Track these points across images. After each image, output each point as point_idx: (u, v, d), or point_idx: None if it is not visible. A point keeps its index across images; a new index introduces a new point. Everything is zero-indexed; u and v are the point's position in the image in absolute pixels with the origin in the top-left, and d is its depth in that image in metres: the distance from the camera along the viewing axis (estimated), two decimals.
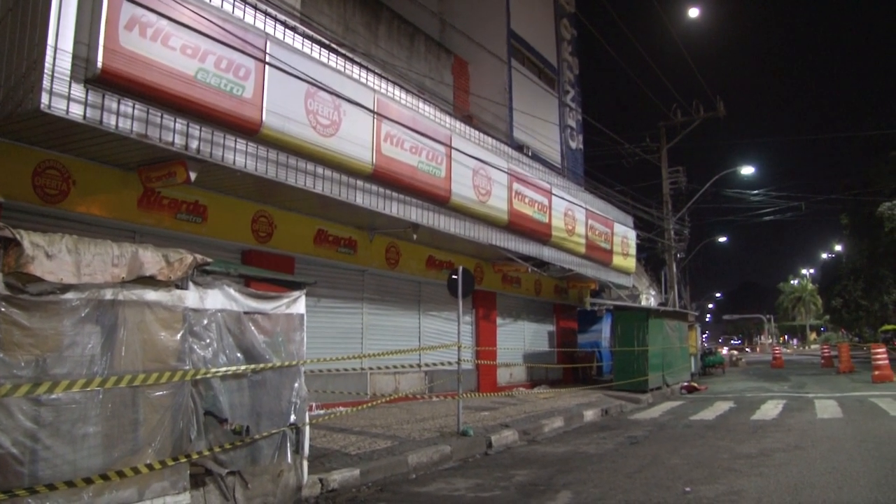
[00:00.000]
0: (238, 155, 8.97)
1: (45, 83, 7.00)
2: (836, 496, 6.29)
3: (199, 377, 5.44)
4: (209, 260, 5.67)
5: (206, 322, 5.66)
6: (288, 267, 11.94)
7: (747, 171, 29.06)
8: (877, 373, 20.25)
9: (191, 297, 5.54)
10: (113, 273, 4.91)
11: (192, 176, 8.68)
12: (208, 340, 5.66)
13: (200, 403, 5.49)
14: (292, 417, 6.45)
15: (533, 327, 21.70)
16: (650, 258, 34.24)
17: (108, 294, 4.90)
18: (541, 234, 16.78)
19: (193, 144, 8.40)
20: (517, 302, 20.74)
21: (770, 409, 13.99)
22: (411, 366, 14.62)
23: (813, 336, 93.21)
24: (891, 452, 8.39)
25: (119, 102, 7.63)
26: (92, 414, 4.66)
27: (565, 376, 22.04)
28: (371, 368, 13.90)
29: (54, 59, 7.06)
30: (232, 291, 5.99)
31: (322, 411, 11.85)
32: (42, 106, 6.98)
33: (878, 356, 20.57)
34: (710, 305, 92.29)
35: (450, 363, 10.89)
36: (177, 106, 8.11)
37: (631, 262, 23.30)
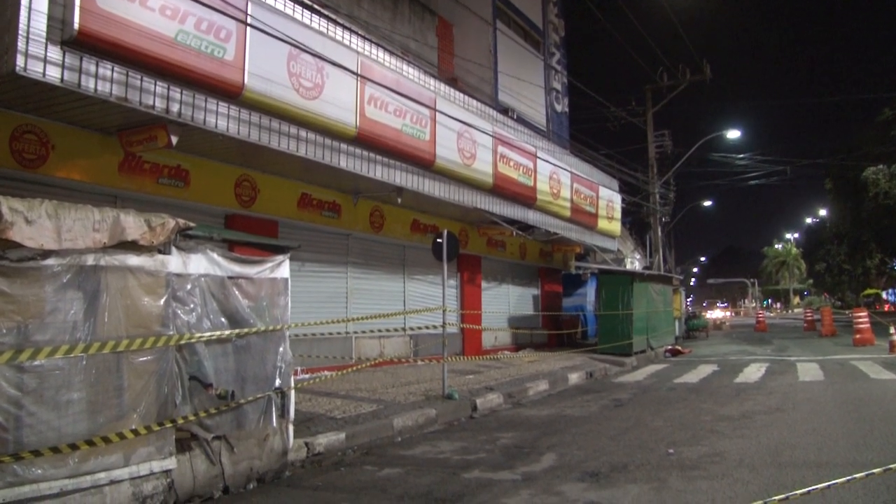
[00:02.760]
0: (220, 118, 8.87)
1: (21, 45, 6.84)
2: (815, 456, 6.46)
3: (183, 342, 5.43)
4: (192, 224, 5.63)
5: (189, 287, 5.63)
6: (272, 231, 11.89)
7: (733, 135, 29.10)
8: (858, 336, 20.61)
9: (174, 262, 5.51)
10: (94, 238, 4.87)
11: (174, 140, 8.58)
12: (192, 305, 5.64)
13: (185, 368, 5.49)
14: (277, 382, 6.47)
15: (518, 291, 21.80)
16: (635, 222, 34.30)
17: (90, 259, 4.86)
18: (526, 197, 16.78)
19: (174, 108, 8.29)
20: (502, 266, 20.80)
21: (753, 373, 14.24)
22: (396, 330, 14.69)
23: (796, 300, 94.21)
24: (870, 414, 8.60)
25: (97, 65, 7.48)
26: (76, 380, 4.66)
27: (550, 340, 22.23)
28: (356, 332, 13.96)
29: (29, 20, 6.89)
30: (215, 256, 5.96)
31: (307, 375, 11.90)
32: (17, 69, 6.83)
33: (860, 320, 20.91)
34: (695, 269, 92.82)
35: (435, 327, 10.97)
36: (157, 68, 7.98)
37: (616, 226, 23.38)
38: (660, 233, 29.39)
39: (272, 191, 12.01)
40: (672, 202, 30.88)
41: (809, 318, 34.42)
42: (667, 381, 13.39)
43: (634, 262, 38.82)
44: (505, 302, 20.97)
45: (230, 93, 8.85)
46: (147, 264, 5.27)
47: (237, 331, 6.01)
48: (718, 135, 29.04)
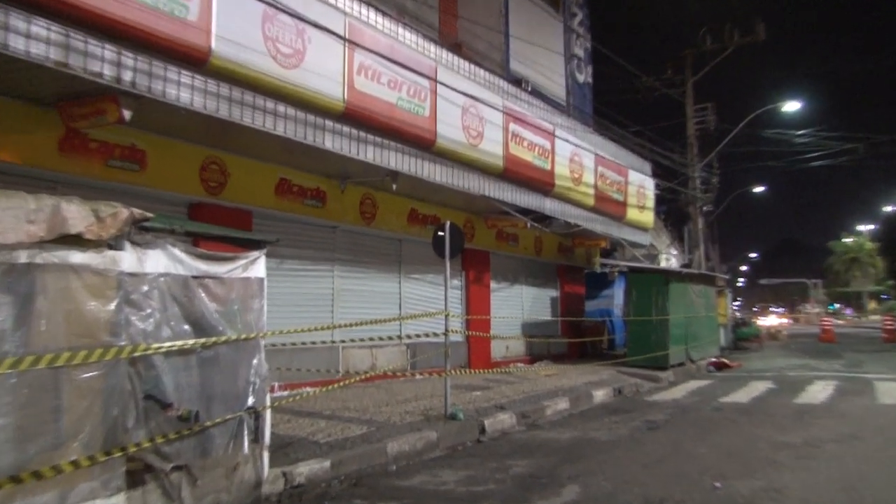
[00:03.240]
0: (183, 89, 8.77)
1: None
2: None
3: (137, 354, 5.36)
4: (149, 215, 5.58)
5: (145, 289, 5.57)
6: (244, 223, 11.85)
7: (791, 107, 28.12)
8: None
9: (127, 259, 5.43)
10: (28, 231, 4.76)
11: (127, 114, 8.46)
12: (149, 310, 5.58)
13: (139, 386, 5.41)
14: (250, 400, 6.42)
15: (533, 293, 21.74)
16: (671, 212, 34.08)
17: (23, 257, 4.75)
18: (542, 182, 16.68)
19: (127, 76, 8.17)
20: (514, 263, 20.74)
21: (818, 392, 14.09)
22: (390, 338, 14.62)
23: (872, 305, 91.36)
24: None
25: (30, 22, 7.35)
26: (2, 402, 4.53)
27: (571, 350, 22.15)
28: (343, 341, 13.90)
29: None
30: (177, 252, 5.92)
31: (286, 392, 11.78)
32: None
33: None
34: (744, 268, 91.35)
35: (435, 335, 10.89)
36: (105, 29, 7.84)
37: (648, 216, 23.27)
38: (701, 224, 29.16)
39: (245, 175, 11.95)
40: (716, 188, 30.39)
41: (890, 326, 32.74)
42: (711, 399, 13.31)
43: (670, 259, 38.65)
44: (518, 305, 20.91)
45: (194, 59, 8.73)
46: (94, 262, 5.17)
47: (203, 340, 5.96)
48: (773, 107, 28.37)
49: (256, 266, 6.71)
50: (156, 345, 5.51)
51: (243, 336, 6.37)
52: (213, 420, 5.96)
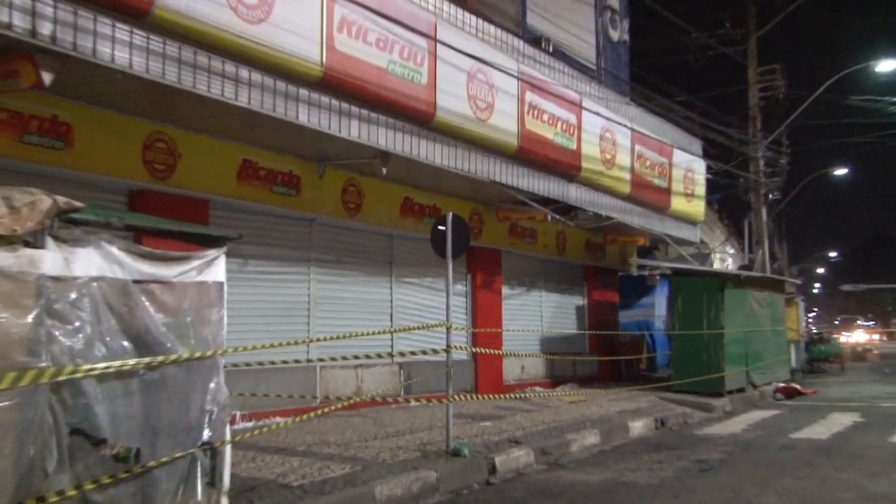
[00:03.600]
0: (119, 47, 8.69)
1: None
2: None
3: (62, 378, 5.26)
4: (78, 204, 5.50)
5: (74, 296, 5.49)
6: (199, 214, 11.81)
7: (887, 66, 27.22)
8: None
9: (50, 259, 5.34)
10: None
11: (47, 78, 8.39)
12: (78, 323, 5.50)
13: (65, 418, 5.31)
14: (206, 434, 6.38)
15: (554, 300, 21.73)
16: (728, 201, 33.92)
17: None
18: (566, 165, 16.63)
19: (46, 29, 8.09)
20: (531, 264, 20.74)
21: None
22: (380, 356, 14.58)
23: None
24: None
25: None
26: None
27: (602, 371, 22.10)
28: (322, 360, 13.86)
29: None
30: (115, 251, 5.85)
31: (251, 423, 11.72)
32: None
33: None
34: (820, 270, 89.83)
35: (435, 351, 10.83)
36: None
37: (698, 207, 23.22)
38: (765, 216, 29.00)
39: (199, 156, 11.93)
40: (784, 171, 29.96)
41: None
42: (779, 435, 13.22)
43: (726, 260, 38.65)
44: (535, 316, 20.91)
45: (133, 9, 8.68)
46: (6, 263, 5.08)
47: (147, 360, 5.89)
48: (863, 67, 27.40)
49: (214, 268, 6.67)
50: (86, 366, 5.41)
51: (198, 354, 6.31)
52: (158, 459, 5.87)
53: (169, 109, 10.85)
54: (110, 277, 5.76)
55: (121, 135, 10.94)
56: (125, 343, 5.83)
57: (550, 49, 18.29)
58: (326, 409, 9.64)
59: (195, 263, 6.50)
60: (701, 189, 23.47)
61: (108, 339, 5.70)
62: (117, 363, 5.64)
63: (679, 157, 21.87)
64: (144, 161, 11.23)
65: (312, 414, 9.13)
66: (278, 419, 12.02)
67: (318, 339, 11.97)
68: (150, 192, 11.32)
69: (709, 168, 24.39)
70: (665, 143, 21.22)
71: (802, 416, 15.87)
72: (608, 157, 18.13)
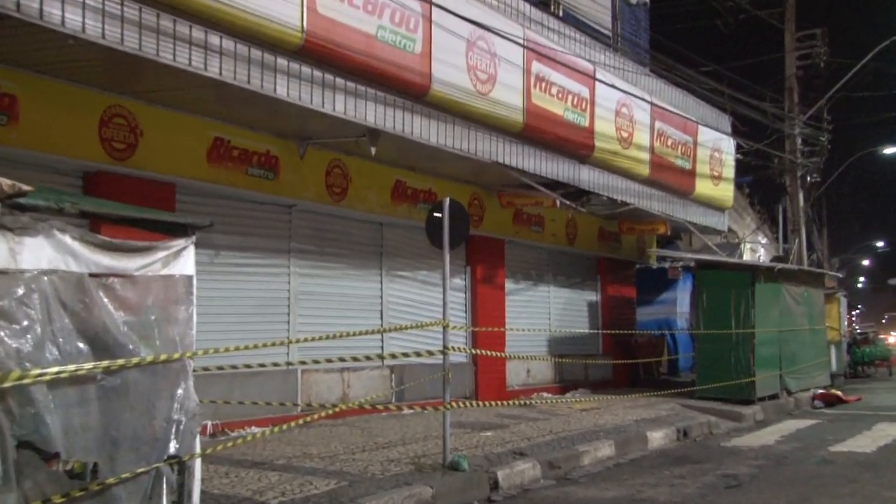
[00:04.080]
0: (71, 9, 8.66)
1: None
2: None
3: (7, 385, 5.21)
4: (26, 188, 5.42)
5: (21, 291, 5.44)
6: (165, 200, 11.76)
7: None
8: None
9: None
10: None
11: None
12: (26, 323, 5.45)
13: (11, 429, 5.27)
14: (173, 446, 6.34)
15: (564, 296, 21.77)
16: (760, 184, 33.72)
17: None
18: (577, 145, 16.64)
19: None
20: (539, 255, 20.79)
21: None
22: (368, 358, 14.48)
23: None
24: None
25: None
26: None
27: (617, 375, 22.13)
28: (304, 363, 13.69)
29: None
30: (68, 240, 5.79)
31: (224, 435, 11.71)
32: None
33: None
34: (865, 262, 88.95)
35: (430, 353, 10.84)
36: None
37: (726, 191, 23.21)
38: (802, 201, 28.88)
39: (164, 134, 11.87)
40: (825, 150, 29.68)
41: None
42: (817, 447, 13.24)
43: (758, 251, 38.57)
44: (543, 313, 20.95)
45: None
46: None
47: (106, 363, 5.84)
48: None
49: (182, 260, 6.63)
50: (36, 371, 5.37)
51: (163, 357, 6.27)
52: (118, 475, 5.82)
53: (129, 80, 10.79)
54: (63, 270, 5.69)
55: (74, 109, 10.84)
56: (81, 344, 5.77)
57: (560, 13, 18.28)
58: (309, 418, 9.60)
59: (160, 255, 6.44)
60: (729, 171, 23.45)
61: (60, 340, 5.63)
62: (71, 367, 5.58)
63: (705, 134, 21.85)
64: (101, 139, 11.15)
65: (293, 423, 9.08)
66: (255, 429, 12.00)
67: (299, 340, 11.95)
68: (107, 175, 11.24)
69: (739, 147, 24.38)
70: (689, 119, 21.20)
71: (844, 426, 15.87)
72: (625, 135, 18.12)
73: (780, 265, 22.14)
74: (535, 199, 17.81)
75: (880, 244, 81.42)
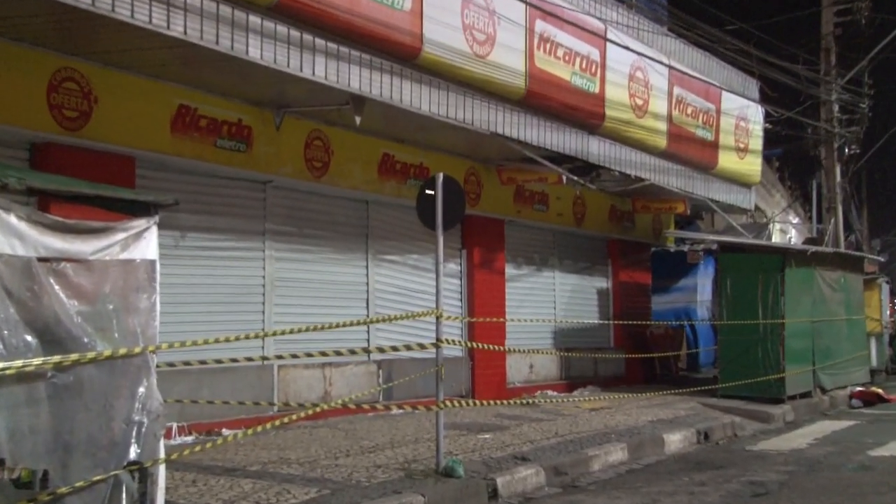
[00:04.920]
0: None
1: None
2: None
3: None
4: None
5: None
6: (123, 175, 11.72)
7: None
8: None
9: None
10: None
11: None
12: None
13: None
14: (133, 451, 6.35)
15: (571, 282, 21.82)
16: (791, 157, 33.59)
17: None
18: (586, 113, 16.64)
19: None
20: (543, 237, 20.84)
21: None
22: (353, 352, 14.42)
23: None
24: None
25: None
26: None
27: (630, 371, 22.18)
28: (281, 358, 13.84)
29: None
30: (13, 221, 5.78)
31: (191, 437, 11.75)
32: None
33: None
34: None
35: (422, 346, 10.81)
36: None
37: (753, 165, 23.19)
38: (839, 176, 28.75)
39: (122, 100, 11.81)
40: (865, 118, 29.55)
41: None
42: (855, 452, 13.25)
43: (789, 232, 38.51)
44: (547, 301, 21.00)
45: None
46: None
47: (57, 358, 5.84)
48: None
49: (143, 242, 6.63)
50: None
51: (123, 351, 6.27)
52: (71, 484, 5.84)
53: (81, 40, 10.74)
54: (8, 254, 5.68)
55: (19, 72, 10.78)
56: (28, 337, 5.77)
57: None
58: (286, 419, 9.61)
59: (119, 237, 6.44)
60: (757, 142, 23.43)
61: (5, 332, 5.62)
62: (18, 363, 5.57)
63: (730, 101, 21.84)
64: (50, 106, 11.07)
65: (269, 425, 9.08)
66: (226, 431, 12.01)
67: (275, 332, 11.94)
68: (58, 146, 11.19)
69: (768, 116, 24.36)
70: (712, 84, 21.17)
71: (885, 428, 15.93)
72: (639, 102, 18.10)
73: (813, 248, 22.15)
74: (538, 174, 17.81)
75: None
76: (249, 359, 12.17)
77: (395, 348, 12.30)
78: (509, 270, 19.28)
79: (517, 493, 10.08)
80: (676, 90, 19.45)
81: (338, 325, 11.40)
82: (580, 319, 21.54)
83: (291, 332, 10.62)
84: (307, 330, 10.38)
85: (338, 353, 12.58)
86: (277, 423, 9.03)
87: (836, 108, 28.02)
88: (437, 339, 10.36)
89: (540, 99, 15.37)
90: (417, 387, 14.56)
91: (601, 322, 22.07)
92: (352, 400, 14.18)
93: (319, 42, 11.64)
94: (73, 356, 5.93)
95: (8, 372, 5.53)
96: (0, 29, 10.30)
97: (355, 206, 15.90)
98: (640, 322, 21.99)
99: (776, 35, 24.59)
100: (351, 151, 15.18)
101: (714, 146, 21.15)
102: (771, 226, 32.85)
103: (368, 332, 15.52)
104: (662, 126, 18.93)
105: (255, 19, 10.80)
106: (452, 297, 17.70)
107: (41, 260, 5.91)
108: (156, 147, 12.29)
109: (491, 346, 16.31)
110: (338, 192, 15.28)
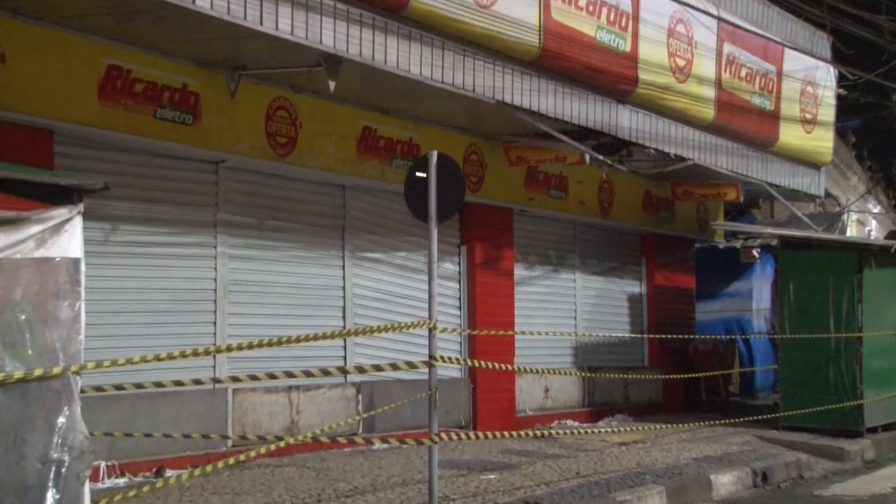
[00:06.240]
0: None
1: None
2: None
3: None
4: None
5: None
6: (39, 152, 11.78)
7: None
8: None
9: None
10: None
11: None
12: None
13: None
14: (51, 496, 6.36)
15: (595, 286, 21.89)
16: (872, 130, 33.64)
17: None
18: (615, 77, 16.64)
19: None
20: (561, 231, 20.94)
21: None
22: (326, 372, 14.49)
23: None
24: None
25: None
26: None
27: (669, 395, 22.26)
28: (237, 380, 13.86)
29: None
30: None
31: (123, 480, 11.79)
32: None
33: None
34: None
35: (411, 366, 10.84)
36: None
37: (823, 140, 23.17)
38: None
39: (36, 59, 11.81)
40: None
41: None
42: None
43: (868, 224, 38.50)
44: (566, 310, 21.09)
45: None
46: None
47: None
48: None
49: (65, 237, 6.66)
50: None
51: (38, 372, 6.28)
52: None
53: None
54: None
55: None
56: None
57: None
58: (243, 456, 9.62)
59: (33, 230, 6.45)
60: (828, 112, 23.41)
61: None
62: None
63: (795, 61, 21.83)
64: None
65: (221, 463, 9.10)
66: (168, 472, 12.01)
67: (230, 348, 11.91)
68: None
69: (842, 79, 24.36)
70: (772, 39, 21.17)
71: None
72: (681, 63, 18.10)
73: None
74: (555, 153, 17.79)
75: None
76: (198, 381, 12.15)
77: (378, 368, 12.33)
78: (519, 272, 19.33)
79: None
80: (727, 48, 19.44)
81: (307, 339, 11.40)
82: (607, 332, 21.58)
83: (250, 347, 10.63)
84: (269, 345, 10.39)
85: (307, 374, 12.62)
86: (232, 461, 9.03)
87: None
88: (431, 357, 10.39)
89: (557, 59, 15.35)
90: (405, 415, 14.60)
91: (633, 335, 22.13)
92: (324, 432, 14.19)
93: None
94: None
95: None
96: None
97: (329, 191, 15.94)
98: (681, 336, 21.94)
99: None
100: (323, 124, 15.18)
101: (774, 117, 21.14)
102: (845, 216, 32.85)
103: (345, 347, 15.54)
104: (709, 92, 18.93)
105: None
106: (449, 305, 17.75)
107: None
108: (79, 118, 12.23)
109: (496, 365, 16.34)
110: (307, 174, 15.30)
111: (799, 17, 22.83)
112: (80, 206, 6.75)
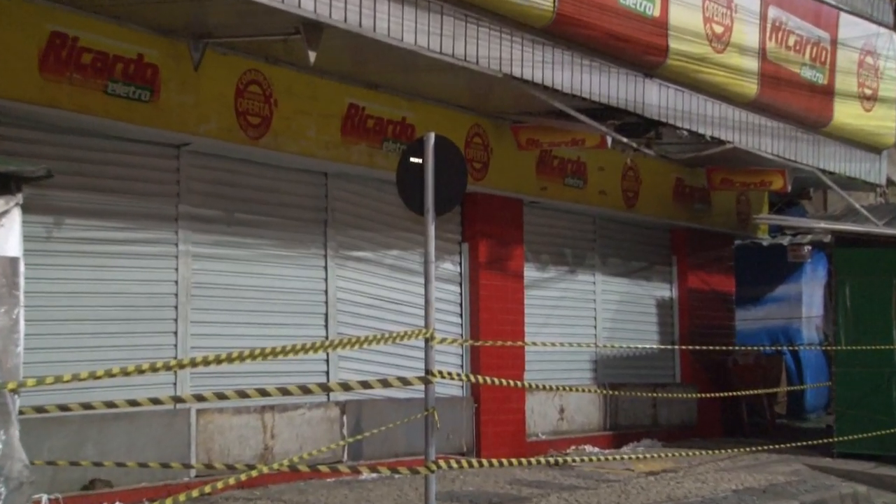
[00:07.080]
0: None
1: None
2: None
3: None
4: None
5: None
6: None
7: None
8: None
9: None
10: None
11: None
12: None
13: None
14: None
15: (619, 289, 21.97)
16: None
17: None
18: (641, 46, 16.62)
19: None
20: (579, 224, 21.01)
21: None
22: (306, 390, 14.53)
23: None
24: None
25: None
26: None
27: (705, 418, 22.25)
28: (202, 398, 13.78)
29: None
30: None
31: None
32: None
33: None
34: None
35: (404, 382, 10.83)
36: None
37: (885, 120, 23.14)
38: None
39: None
40: None
41: None
42: None
43: None
44: (585, 318, 21.16)
45: None
46: None
47: None
48: None
49: (1, 232, 6.69)
50: None
51: None
52: None
53: None
54: None
55: None
56: None
57: None
58: (209, 488, 9.63)
59: None
60: (891, 87, 23.40)
61: None
62: None
63: (851, 28, 21.84)
64: None
65: (183, 496, 9.09)
66: None
67: (194, 362, 11.91)
68: None
69: None
70: (826, 2, 21.17)
71: None
72: (718, 30, 18.08)
73: None
74: (572, 135, 17.83)
75: None
76: (156, 400, 12.14)
77: (366, 384, 12.33)
78: (529, 273, 19.37)
79: None
80: (773, 12, 19.42)
81: (284, 352, 11.40)
82: (632, 343, 21.55)
83: (217, 361, 10.62)
84: (239, 358, 10.41)
85: (284, 392, 12.65)
86: (196, 493, 9.04)
87: None
88: (427, 372, 10.40)
89: (574, 26, 15.31)
90: (398, 440, 14.61)
91: (662, 347, 22.17)
92: (303, 460, 14.23)
93: None
94: None
95: None
96: None
97: (309, 179, 15.97)
98: (719, 347, 22.02)
99: None
100: (302, 101, 15.19)
101: (828, 93, 21.14)
102: None
103: (328, 360, 15.59)
104: (752, 64, 18.93)
105: None
106: (449, 312, 17.82)
107: None
108: (17, 94, 12.18)
109: (503, 381, 16.36)
110: (284, 159, 15.30)
111: None
112: (19, 197, 6.77)
